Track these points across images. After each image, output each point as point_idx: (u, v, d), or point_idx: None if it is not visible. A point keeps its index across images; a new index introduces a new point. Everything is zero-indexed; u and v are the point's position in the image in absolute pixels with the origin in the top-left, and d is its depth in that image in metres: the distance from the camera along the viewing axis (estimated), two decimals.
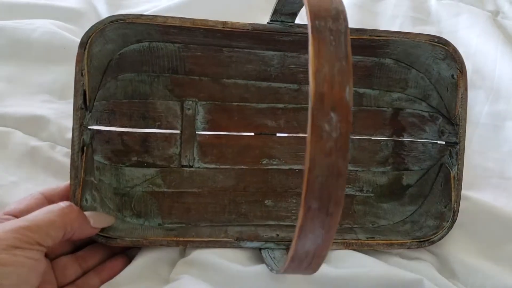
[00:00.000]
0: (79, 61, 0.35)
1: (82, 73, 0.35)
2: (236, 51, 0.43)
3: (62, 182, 0.40)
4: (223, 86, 0.44)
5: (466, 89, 0.41)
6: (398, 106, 0.46)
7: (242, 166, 0.44)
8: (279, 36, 0.40)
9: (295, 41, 0.41)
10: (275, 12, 0.38)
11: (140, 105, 0.42)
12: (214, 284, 0.34)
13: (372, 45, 0.42)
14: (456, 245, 0.41)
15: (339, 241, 0.39)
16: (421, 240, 0.40)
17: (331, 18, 0.23)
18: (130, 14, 0.37)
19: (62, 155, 0.43)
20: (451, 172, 0.41)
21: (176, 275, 0.35)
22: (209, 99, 0.44)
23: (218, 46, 0.43)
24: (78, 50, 0.35)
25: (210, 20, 0.38)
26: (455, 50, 0.41)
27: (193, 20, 0.38)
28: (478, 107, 0.55)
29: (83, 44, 0.35)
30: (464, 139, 0.41)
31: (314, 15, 0.23)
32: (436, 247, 0.41)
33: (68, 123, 0.45)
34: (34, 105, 0.46)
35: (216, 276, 0.35)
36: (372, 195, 0.45)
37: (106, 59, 0.40)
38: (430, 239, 0.40)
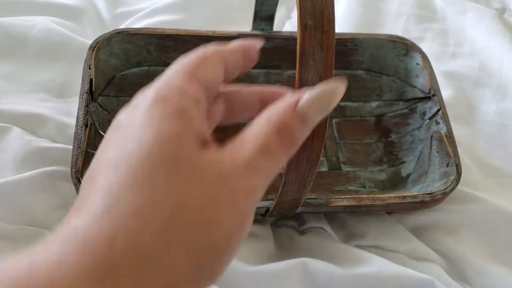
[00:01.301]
0: (87, 59, 0.41)
1: (89, 67, 0.41)
2: None
3: (61, 182, 0.39)
4: None
5: (432, 69, 0.46)
6: (379, 113, 0.49)
7: None
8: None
9: (277, 48, 0.46)
10: (255, 19, 0.44)
11: None
12: (217, 284, 0.33)
13: (342, 50, 0.47)
14: (465, 246, 0.40)
15: (350, 196, 0.38)
16: (433, 192, 0.39)
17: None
18: (133, 28, 0.46)
19: (60, 151, 0.42)
20: (442, 133, 0.42)
21: None
22: None
23: None
24: (87, 52, 0.42)
25: (201, 30, 0.45)
26: (412, 43, 0.47)
27: (186, 30, 0.45)
28: (485, 105, 0.54)
29: (92, 48, 0.42)
30: (443, 104, 0.44)
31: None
32: (445, 248, 0.40)
33: (66, 121, 0.44)
34: (31, 103, 0.46)
35: (222, 277, 0.33)
36: (375, 189, 0.44)
37: (110, 71, 0.45)
38: (441, 191, 0.39)
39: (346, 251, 0.38)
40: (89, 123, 0.39)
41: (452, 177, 0.40)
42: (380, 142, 0.47)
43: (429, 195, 0.38)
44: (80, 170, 0.35)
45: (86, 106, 0.39)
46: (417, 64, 0.47)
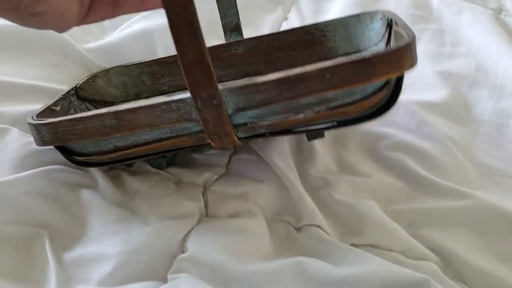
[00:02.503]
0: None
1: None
2: None
3: (59, 182, 0.39)
4: None
5: (390, 12, 0.44)
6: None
7: None
8: (232, 50, 0.50)
9: (245, 53, 0.50)
10: (225, 32, 0.48)
11: None
12: (213, 283, 0.33)
13: (310, 39, 0.48)
14: (461, 244, 0.40)
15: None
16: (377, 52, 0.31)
17: None
18: (127, 63, 0.51)
19: (59, 152, 0.42)
20: (395, 29, 0.40)
21: (174, 273, 0.34)
22: None
23: None
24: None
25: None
26: (375, 10, 0.47)
27: (170, 56, 0.51)
28: (482, 105, 0.54)
29: (91, 73, 0.49)
30: (397, 16, 0.42)
31: None
32: (440, 247, 0.40)
33: None
34: (29, 105, 0.46)
35: (216, 275, 0.34)
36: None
37: (108, 97, 0.49)
38: (387, 50, 0.32)
39: (342, 250, 0.38)
40: (62, 97, 0.44)
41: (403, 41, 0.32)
42: None
43: (371, 53, 0.30)
44: (36, 114, 0.38)
45: (68, 92, 0.44)
46: (381, 18, 0.46)
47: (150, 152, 0.39)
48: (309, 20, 0.64)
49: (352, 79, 0.31)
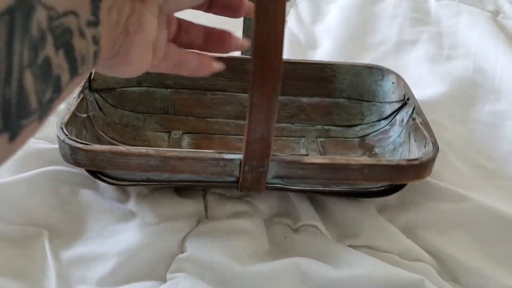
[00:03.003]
0: None
1: None
2: (217, 94, 0.52)
3: (60, 182, 0.40)
4: (207, 123, 0.51)
5: (406, 83, 0.49)
6: (362, 134, 0.51)
7: None
8: (247, 65, 0.49)
9: None
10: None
11: (133, 132, 0.49)
12: (212, 283, 0.33)
13: (322, 76, 0.51)
14: (457, 246, 0.41)
15: (323, 157, 0.39)
16: (410, 159, 0.38)
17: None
18: None
19: (58, 152, 0.43)
20: (417, 121, 0.44)
21: (173, 273, 0.34)
22: (194, 131, 0.50)
23: (202, 89, 0.51)
24: None
25: None
26: (387, 68, 0.51)
27: None
28: (479, 106, 0.55)
29: None
30: (417, 103, 0.46)
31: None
32: (436, 249, 0.40)
33: None
34: None
35: (215, 275, 0.34)
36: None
37: (111, 81, 0.48)
38: (418, 159, 0.38)
39: (339, 251, 0.38)
40: (82, 96, 0.43)
41: (429, 151, 0.39)
42: (364, 155, 0.49)
43: (406, 160, 0.37)
44: (64, 124, 0.38)
45: (83, 87, 0.43)
46: (393, 83, 0.50)
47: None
48: (308, 25, 0.65)
49: (385, 178, 0.38)
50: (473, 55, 0.61)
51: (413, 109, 0.45)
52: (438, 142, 0.42)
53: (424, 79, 0.57)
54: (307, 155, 0.47)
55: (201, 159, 0.35)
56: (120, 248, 0.36)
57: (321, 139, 0.50)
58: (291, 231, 0.40)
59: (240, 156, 0.34)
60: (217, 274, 0.34)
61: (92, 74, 0.46)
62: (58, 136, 0.37)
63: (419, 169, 0.38)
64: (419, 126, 0.43)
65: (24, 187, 0.39)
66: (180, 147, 0.47)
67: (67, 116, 0.39)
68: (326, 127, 0.51)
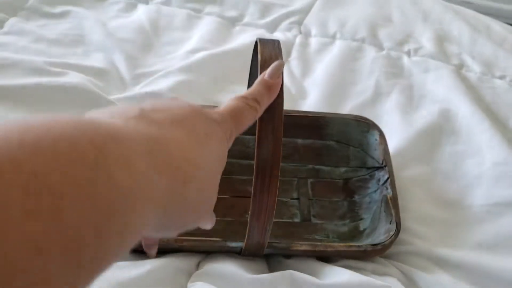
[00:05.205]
0: None
1: None
2: None
3: None
4: None
5: (386, 144, 0.57)
6: (346, 177, 0.59)
7: (230, 218, 0.54)
8: None
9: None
10: (249, 83, 0.55)
11: None
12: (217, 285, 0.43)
13: (316, 124, 0.59)
14: (418, 264, 0.50)
15: (308, 243, 0.48)
16: (375, 244, 0.49)
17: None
18: None
19: None
20: (388, 196, 0.52)
21: (192, 283, 0.44)
22: None
23: None
24: None
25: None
26: (373, 122, 0.59)
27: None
28: (442, 147, 0.65)
29: None
30: (392, 173, 0.54)
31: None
32: (400, 265, 0.50)
33: None
34: None
35: (227, 284, 0.43)
36: (337, 239, 0.54)
37: None
38: (382, 243, 0.49)
39: (324, 267, 0.48)
40: None
41: (392, 233, 0.49)
42: (345, 201, 0.57)
43: (372, 246, 0.48)
44: None
45: None
46: (376, 140, 0.58)
47: None
48: (299, 78, 0.75)
49: (354, 257, 0.50)
50: (439, 103, 0.71)
51: (388, 178, 0.54)
52: (405, 180, 0.53)
53: (395, 125, 0.67)
54: (298, 199, 0.57)
55: (209, 246, 0.47)
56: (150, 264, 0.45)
57: (311, 179, 0.59)
58: (285, 258, 0.50)
59: (242, 245, 0.44)
60: (230, 282, 0.44)
61: None
62: None
63: (381, 250, 0.49)
64: (389, 202, 0.52)
65: None
66: None
67: None
68: (317, 167, 0.60)
